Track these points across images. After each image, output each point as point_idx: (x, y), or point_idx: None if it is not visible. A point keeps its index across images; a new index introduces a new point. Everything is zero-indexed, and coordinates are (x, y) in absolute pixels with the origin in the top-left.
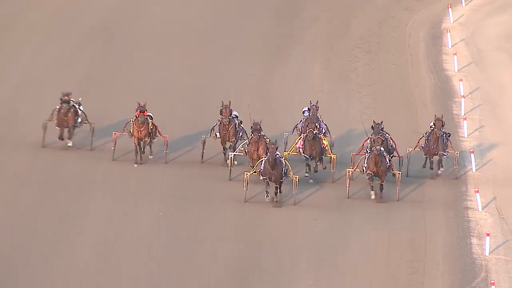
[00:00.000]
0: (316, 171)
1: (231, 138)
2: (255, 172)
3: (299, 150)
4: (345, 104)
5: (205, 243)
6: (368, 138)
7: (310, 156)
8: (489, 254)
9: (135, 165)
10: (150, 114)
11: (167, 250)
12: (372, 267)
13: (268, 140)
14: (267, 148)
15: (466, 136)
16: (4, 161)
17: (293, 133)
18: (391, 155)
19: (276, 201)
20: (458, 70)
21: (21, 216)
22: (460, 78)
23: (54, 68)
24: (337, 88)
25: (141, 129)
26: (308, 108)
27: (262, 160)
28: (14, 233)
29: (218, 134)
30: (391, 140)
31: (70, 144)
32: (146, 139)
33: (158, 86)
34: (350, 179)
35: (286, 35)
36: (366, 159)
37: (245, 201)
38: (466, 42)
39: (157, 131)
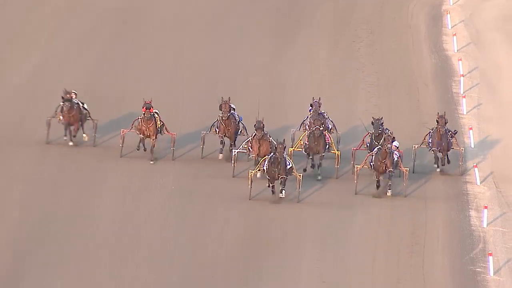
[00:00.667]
0: (319, 166)
1: (231, 137)
2: (259, 170)
3: (304, 147)
4: (351, 82)
5: (212, 236)
6: (367, 134)
7: (315, 153)
8: (487, 226)
9: (137, 149)
10: (157, 111)
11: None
12: (375, 240)
13: (271, 138)
14: (275, 148)
15: (465, 113)
16: (15, 158)
17: (300, 129)
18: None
19: (281, 197)
20: (457, 50)
21: (37, 205)
22: (459, 58)
23: (57, 63)
24: (342, 68)
25: (149, 126)
26: (311, 104)
27: (266, 159)
28: (32, 215)
29: (218, 129)
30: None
31: (71, 144)
32: (153, 136)
33: (167, 72)
34: (357, 175)
35: (293, 18)
36: (373, 156)
37: (250, 199)
38: (465, 23)
39: (164, 128)
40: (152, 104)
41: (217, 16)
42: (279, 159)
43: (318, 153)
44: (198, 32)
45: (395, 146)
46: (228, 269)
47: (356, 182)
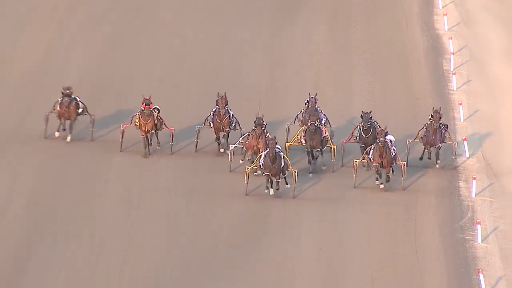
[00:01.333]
0: (316, 158)
1: (225, 128)
2: (255, 166)
3: (301, 141)
4: (347, 60)
5: (211, 227)
6: (356, 126)
7: (311, 147)
8: (475, 196)
9: (146, 158)
10: (157, 107)
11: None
12: (369, 215)
13: (268, 134)
14: (267, 144)
15: (455, 89)
16: (21, 151)
17: (294, 123)
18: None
19: (277, 189)
20: (448, 29)
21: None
22: (450, 37)
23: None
24: (339, 46)
25: (148, 122)
26: (307, 100)
27: (262, 155)
28: (42, 203)
29: (212, 124)
30: (379, 128)
31: (68, 140)
32: (152, 131)
33: (169, 59)
34: (356, 169)
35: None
36: (371, 150)
37: (246, 194)
38: (455, 4)
39: (163, 123)
40: (152, 101)
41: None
42: (274, 155)
43: (315, 147)
44: (199, 25)
45: (390, 140)
46: (226, 262)
47: (355, 176)
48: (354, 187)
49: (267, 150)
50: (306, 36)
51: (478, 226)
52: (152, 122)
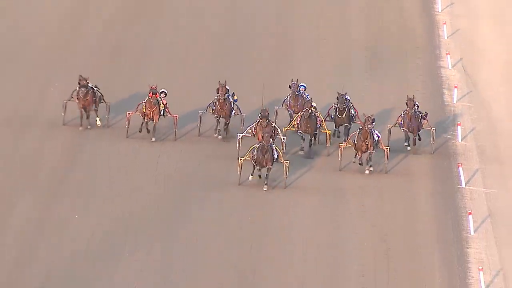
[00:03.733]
0: (311, 145)
1: (226, 117)
2: (248, 157)
3: (296, 127)
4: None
5: (209, 219)
6: (332, 106)
7: (305, 132)
8: (457, 102)
9: (139, 131)
10: (164, 91)
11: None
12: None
13: (273, 124)
14: (262, 137)
15: (439, 11)
16: (34, 137)
17: (282, 107)
18: (353, 122)
19: (266, 184)
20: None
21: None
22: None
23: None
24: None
25: (153, 109)
26: (290, 86)
27: (255, 146)
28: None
29: (214, 109)
30: (353, 108)
31: (99, 123)
32: (157, 119)
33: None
34: (341, 153)
35: None
36: (356, 135)
37: (239, 184)
38: None
39: (166, 111)
40: (158, 90)
41: None
42: (266, 147)
43: (309, 133)
44: (206, 11)
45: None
46: (223, 252)
47: (340, 159)
48: (340, 170)
49: (260, 143)
50: (314, 16)
51: (459, 127)
52: (157, 109)
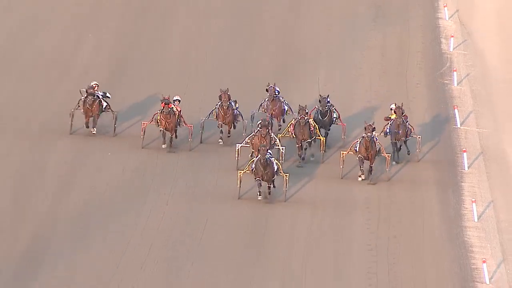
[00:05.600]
0: (305, 149)
1: (229, 123)
2: (247, 170)
3: (291, 134)
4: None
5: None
6: (314, 108)
7: (300, 140)
8: (453, 50)
9: (163, 146)
10: (178, 98)
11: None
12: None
13: (272, 134)
14: (258, 150)
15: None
16: (44, 145)
17: (259, 111)
18: (334, 123)
19: (267, 197)
20: None
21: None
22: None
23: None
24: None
25: (169, 121)
26: (267, 89)
27: (254, 160)
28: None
29: (216, 116)
30: (335, 111)
31: (94, 132)
32: (173, 131)
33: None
34: (343, 161)
35: None
36: (358, 143)
37: (239, 198)
38: None
39: (182, 121)
40: (171, 99)
41: None
42: (265, 161)
43: (304, 140)
44: (209, 19)
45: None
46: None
47: (342, 167)
48: (341, 178)
49: (259, 156)
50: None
51: (455, 73)
52: (174, 120)
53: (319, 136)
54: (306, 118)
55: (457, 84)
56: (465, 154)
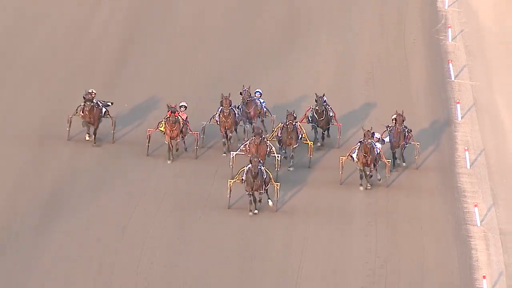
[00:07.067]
0: (292, 158)
1: (230, 128)
2: (238, 180)
3: (277, 138)
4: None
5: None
6: (310, 108)
7: (287, 145)
8: (448, 7)
9: (169, 162)
10: (185, 104)
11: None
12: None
13: (268, 142)
14: (250, 161)
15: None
16: (39, 151)
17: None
18: (331, 123)
19: (260, 201)
20: None
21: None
22: None
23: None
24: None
25: (174, 129)
26: (240, 93)
27: (245, 170)
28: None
29: (218, 121)
30: (331, 110)
31: (87, 138)
32: (178, 139)
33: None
34: (342, 167)
35: None
36: (356, 149)
37: (228, 208)
38: None
39: (187, 128)
40: (177, 108)
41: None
42: (256, 172)
43: (291, 145)
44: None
45: (377, 138)
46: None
47: (341, 172)
48: (340, 184)
49: (249, 166)
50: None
51: (449, 29)
52: (178, 128)
53: (307, 141)
54: (294, 123)
55: (452, 40)
56: (458, 105)
